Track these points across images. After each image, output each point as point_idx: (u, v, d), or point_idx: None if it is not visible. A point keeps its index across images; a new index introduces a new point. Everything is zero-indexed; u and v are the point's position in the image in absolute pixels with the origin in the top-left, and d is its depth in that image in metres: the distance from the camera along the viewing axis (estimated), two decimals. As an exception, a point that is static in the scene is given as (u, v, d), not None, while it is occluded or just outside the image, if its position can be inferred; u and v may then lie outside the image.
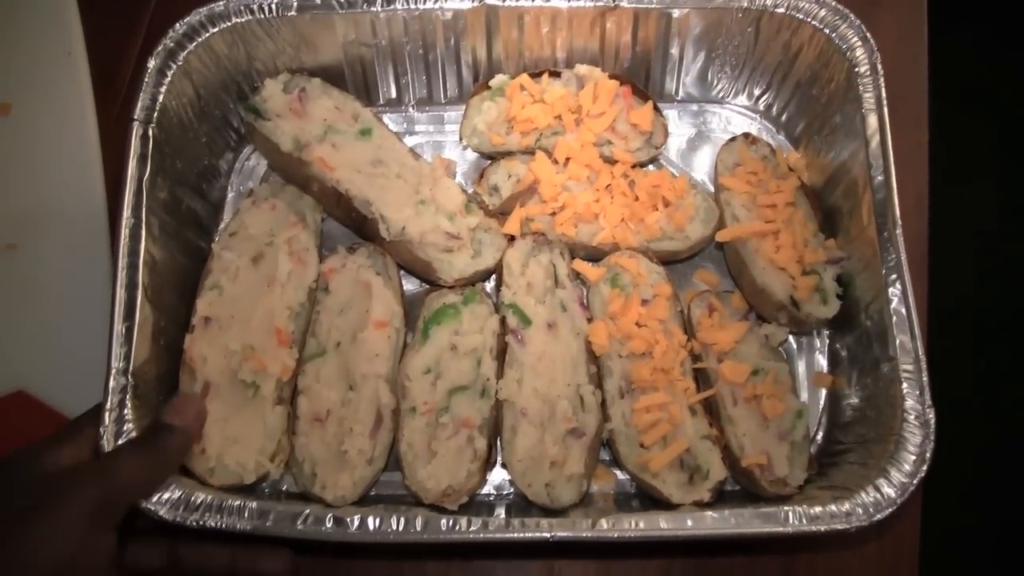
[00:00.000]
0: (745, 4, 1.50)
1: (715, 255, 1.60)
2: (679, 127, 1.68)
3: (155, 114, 1.39)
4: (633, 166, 1.57)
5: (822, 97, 1.56)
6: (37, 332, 1.53)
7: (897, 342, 1.31)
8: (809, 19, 1.50)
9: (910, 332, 1.32)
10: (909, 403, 1.29)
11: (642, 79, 1.64)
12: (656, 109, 1.58)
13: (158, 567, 1.23)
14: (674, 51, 1.59)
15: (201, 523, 1.21)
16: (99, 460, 1.20)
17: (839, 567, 1.46)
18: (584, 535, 1.22)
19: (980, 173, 3.05)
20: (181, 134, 1.48)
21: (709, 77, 1.66)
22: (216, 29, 1.47)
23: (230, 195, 1.64)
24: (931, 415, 1.28)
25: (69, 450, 1.20)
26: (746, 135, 1.61)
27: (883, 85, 1.45)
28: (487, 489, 1.44)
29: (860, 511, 1.24)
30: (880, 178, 1.40)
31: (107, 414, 1.24)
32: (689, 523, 1.24)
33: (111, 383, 1.26)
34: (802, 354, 1.54)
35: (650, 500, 1.38)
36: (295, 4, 1.48)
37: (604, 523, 1.22)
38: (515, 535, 1.22)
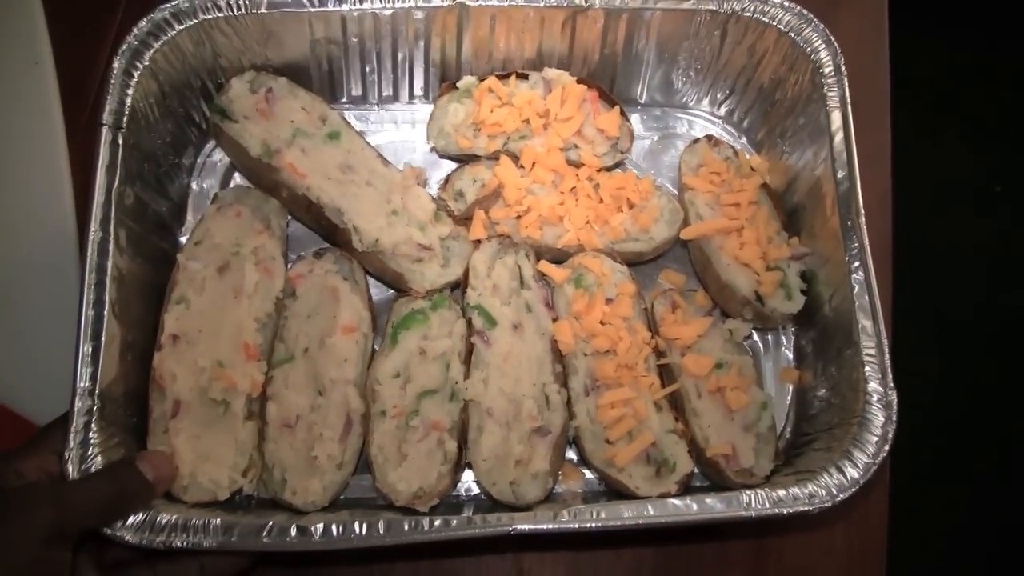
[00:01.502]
0: (714, 7, 1.52)
1: (680, 255, 1.60)
2: (642, 131, 1.69)
3: (124, 118, 1.37)
4: (599, 170, 1.58)
5: (785, 101, 1.58)
6: (6, 340, 1.52)
7: (860, 326, 1.33)
8: (775, 23, 1.52)
9: (872, 316, 1.33)
10: (872, 385, 1.30)
11: (607, 83, 1.65)
12: (623, 114, 1.59)
13: None
14: (641, 54, 1.60)
15: (168, 544, 1.19)
16: (61, 483, 1.19)
17: (808, 551, 1.46)
18: (545, 526, 1.21)
19: (946, 168, 3.08)
20: (148, 135, 1.45)
21: (673, 82, 1.67)
22: (183, 26, 1.44)
23: (192, 192, 1.61)
24: (893, 396, 1.29)
25: (34, 461, 1.20)
26: (709, 137, 1.62)
27: (847, 85, 1.47)
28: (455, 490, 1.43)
29: (823, 492, 1.24)
30: (844, 171, 1.42)
31: (72, 437, 1.21)
32: (651, 510, 1.24)
33: (77, 404, 1.23)
34: (768, 352, 1.55)
35: (618, 496, 1.37)
36: (265, 1, 1.46)
37: (565, 514, 1.22)
38: (476, 531, 1.22)
